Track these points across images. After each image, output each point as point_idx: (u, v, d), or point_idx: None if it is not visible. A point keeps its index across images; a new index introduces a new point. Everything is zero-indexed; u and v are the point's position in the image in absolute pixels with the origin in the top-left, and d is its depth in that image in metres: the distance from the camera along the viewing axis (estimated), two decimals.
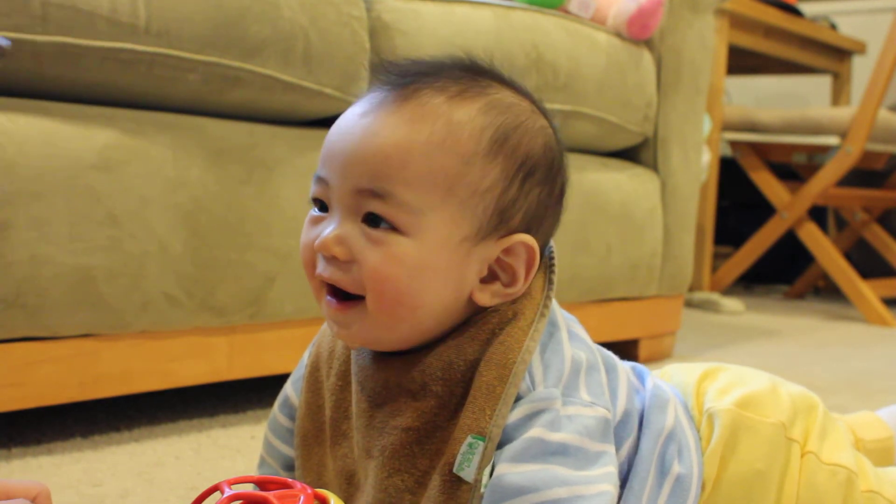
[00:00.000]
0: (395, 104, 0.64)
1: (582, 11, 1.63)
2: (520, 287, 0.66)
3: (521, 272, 0.66)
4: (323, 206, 0.66)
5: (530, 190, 0.66)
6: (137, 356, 1.11)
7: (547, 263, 0.70)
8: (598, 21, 1.63)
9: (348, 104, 1.26)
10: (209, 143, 1.14)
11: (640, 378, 0.76)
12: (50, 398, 1.05)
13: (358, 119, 0.65)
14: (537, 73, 1.46)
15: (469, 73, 0.67)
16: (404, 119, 0.63)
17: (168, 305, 1.11)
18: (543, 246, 0.68)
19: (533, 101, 0.69)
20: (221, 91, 1.15)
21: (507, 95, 0.67)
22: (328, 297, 0.66)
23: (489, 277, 0.66)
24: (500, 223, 0.65)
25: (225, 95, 1.16)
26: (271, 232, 1.19)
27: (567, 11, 1.62)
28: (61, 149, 1.02)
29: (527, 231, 0.66)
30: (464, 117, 0.64)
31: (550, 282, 0.69)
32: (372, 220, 0.63)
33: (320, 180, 0.66)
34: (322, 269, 0.65)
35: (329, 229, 0.64)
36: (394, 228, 0.63)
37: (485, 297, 0.66)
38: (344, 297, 0.65)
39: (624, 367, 0.75)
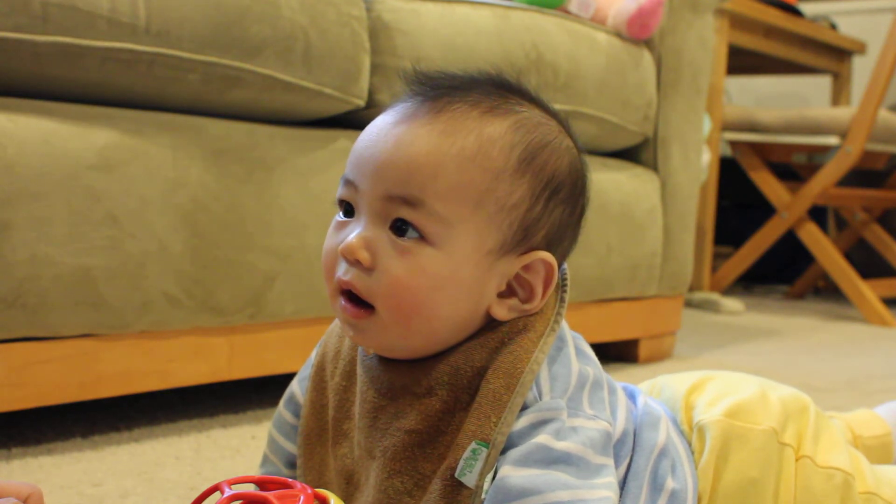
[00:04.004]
0: (428, 115, 0.65)
1: (582, 11, 1.63)
2: (536, 303, 0.67)
3: (539, 289, 0.67)
4: (348, 209, 0.67)
5: (554, 208, 0.67)
6: (137, 356, 1.11)
7: (560, 283, 0.70)
8: (598, 21, 1.64)
9: (348, 104, 1.27)
10: (209, 143, 1.14)
11: (632, 398, 0.77)
12: (50, 398, 1.05)
13: (391, 127, 0.66)
14: (537, 73, 1.46)
15: (500, 90, 0.68)
16: (437, 131, 0.64)
17: (168, 305, 1.11)
18: (560, 264, 0.69)
19: (560, 121, 0.70)
20: (221, 91, 1.15)
21: (536, 114, 0.68)
22: (343, 302, 0.66)
23: (507, 292, 0.67)
24: (522, 239, 0.66)
25: (225, 95, 1.16)
26: (271, 232, 1.19)
27: (567, 11, 1.62)
28: (61, 149, 1.02)
29: (547, 249, 0.67)
30: (494, 133, 0.65)
31: (562, 300, 0.69)
32: (400, 228, 0.64)
33: (349, 183, 0.66)
34: (342, 272, 0.65)
35: (355, 233, 0.65)
36: (421, 238, 0.63)
37: (502, 312, 0.66)
38: (359, 303, 0.65)
39: (620, 388, 0.75)
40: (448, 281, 0.64)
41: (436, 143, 0.64)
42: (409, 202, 0.63)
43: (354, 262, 0.64)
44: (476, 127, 0.65)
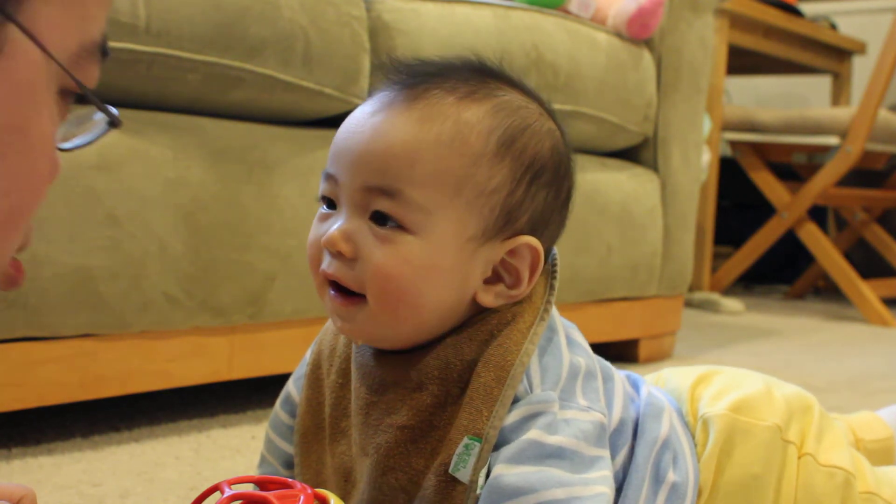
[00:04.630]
0: (404, 103, 0.65)
1: (582, 11, 1.63)
2: (523, 289, 0.66)
3: (525, 274, 0.66)
4: (331, 203, 0.67)
5: (537, 192, 0.66)
6: (137, 356, 1.11)
7: (549, 269, 0.70)
8: (598, 21, 1.64)
9: (348, 104, 1.27)
10: (209, 143, 1.14)
11: (635, 387, 0.77)
12: (50, 398, 1.05)
13: (367, 118, 0.65)
14: (537, 73, 1.46)
15: (478, 75, 0.67)
16: (413, 118, 0.64)
17: (168, 305, 1.11)
18: (548, 249, 0.69)
19: (542, 104, 0.69)
20: (221, 91, 1.15)
21: (515, 98, 0.67)
22: (331, 292, 0.66)
23: (493, 278, 0.66)
24: (505, 225, 0.65)
25: (225, 95, 1.16)
26: (271, 232, 1.19)
27: (567, 11, 1.62)
28: None
29: (532, 233, 0.66)
30: (472, 118, 0.64)
31: (552, 287, 0.69)
32: (379, 218, 0.64)
33: (329, 177, 0.66)
34: (327, 265, 0.65)
35: (336, 225, 0.64)
36: (401, 227, 0.63)
37: (488, 298, 0.66)
38: (347, 292, 0.65)
39: (620, 375, 0.75)
40: (430, 268, 0.63)
41: (412, 130, 0.63)
42: (386, 193, 0.63)
43: (337, 254, 0.64)
44: (453, 112, 0.64)
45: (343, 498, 0.70)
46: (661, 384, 0.82)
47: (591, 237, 1.58)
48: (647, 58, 1.68)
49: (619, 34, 1.63)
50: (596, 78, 1.56)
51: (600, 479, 0.62)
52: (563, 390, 0.65)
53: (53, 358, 1.04)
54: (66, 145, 0.48)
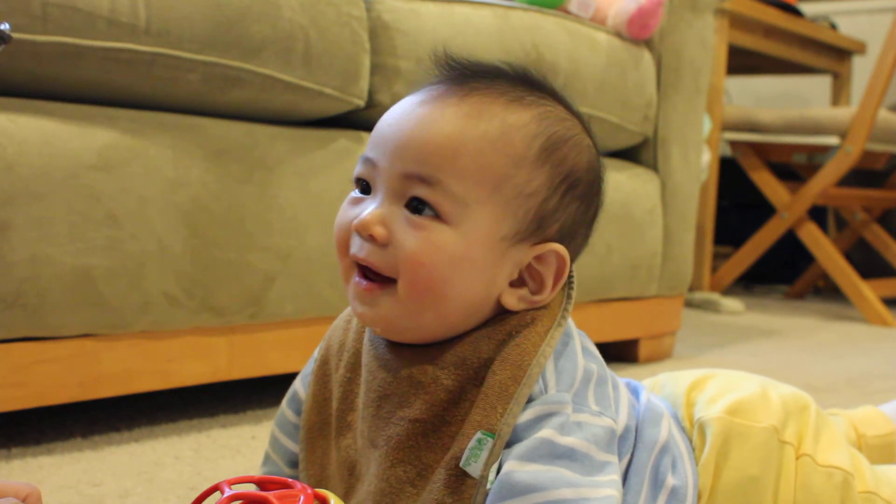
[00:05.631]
0: (453, 98, 0.66)
1: (582, 11, 1.63)
2: (546, 295, 0.67)
3: (550, 281, 0.67)
4: (365, 188, 0.67)
5: (570, 203, 0.68)
6: (137, 356, 1.11)
7: (567, 280, 0.71)
8: (598, 21, 1.64)
9: (348, 104, 1.27)
10: (209, 143, 1.14)
11: (635, 393, 0.77)
12: (50, 398, 1.05)
13: (415, 107, 0.67)
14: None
15: (526, 84, 0.69)
16: (461, 113, 0.65)
17: (168, 305, 1.11)
18: (571, 261, 0.69)
19: (581, 121, 0.71)
20: (221, 91, 1.15)
21: (560, 110, 0.69)
22: (357, 278, 0.66)
23: (518, 282, 0.67)
24: (537, 229, 0.67)
25: (225, 95, 1.16)
26: (271, 232, 1.19)
27: (567, 11, 1.62)
28: (61, 149, 1.02)
29: (560, 242, 0.68)
30: (518, 121, 0.66)
31: (569, 296, 0.70)
32: (416, 205, 0.64)
33: (368, 161, 0.67)
34: (357, 249, 0.66)
35: (370, 209, 0.65)
36: (437, 216, 0.64)
37: (512, 301, 0.67)
38: (374, 279, 0.66)
39: (623, 384, 0.75)
40: (462, 260, 0.64)
41: (459, 125, 0.65)
42: (426, 181, 0.64)
43: (369, 238, 0.65)
44: (500, 113, 0.66)
45: (347, 491, 0.70)
46: (656, 390, 0.82)
47: (591, 237, 1.58)
48: (647, 58, 1.68)
49: (619, 34, 1.63)
50: (596, 78, 1.56)
51: (609, 483, 0.63)
52: (576, 394, 0.65)
53: (53, 358, 1.04)
54: None
